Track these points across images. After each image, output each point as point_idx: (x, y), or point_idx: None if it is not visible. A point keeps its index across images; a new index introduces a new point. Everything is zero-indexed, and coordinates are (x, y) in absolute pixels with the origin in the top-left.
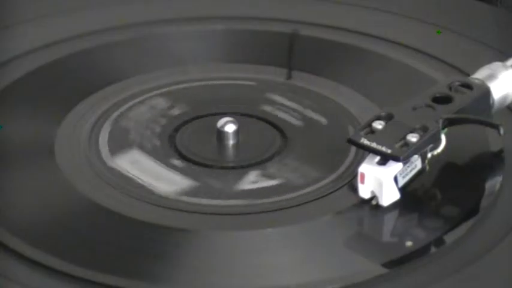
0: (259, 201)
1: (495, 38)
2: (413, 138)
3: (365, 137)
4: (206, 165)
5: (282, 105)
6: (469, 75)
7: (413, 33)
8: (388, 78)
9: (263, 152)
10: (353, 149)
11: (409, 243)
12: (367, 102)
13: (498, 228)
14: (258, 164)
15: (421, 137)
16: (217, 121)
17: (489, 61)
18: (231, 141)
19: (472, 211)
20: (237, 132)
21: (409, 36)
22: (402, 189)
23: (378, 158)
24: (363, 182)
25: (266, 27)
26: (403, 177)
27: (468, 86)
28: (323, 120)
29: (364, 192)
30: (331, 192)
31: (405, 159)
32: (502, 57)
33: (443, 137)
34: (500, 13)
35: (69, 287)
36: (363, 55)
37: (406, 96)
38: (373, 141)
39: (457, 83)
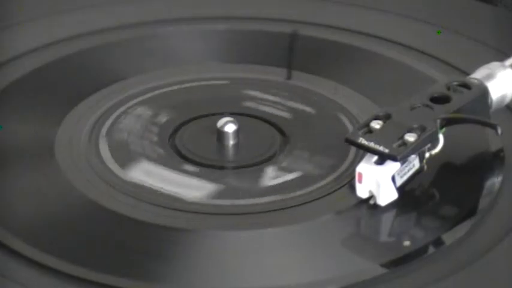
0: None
1: (495, 38)
2: (411, 137)
3: (363, 137)
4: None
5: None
6: (468, 75)
7: (413, 33)
8: (388, 78)
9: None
10: (353, 149)
11: (406, 243)
12: (367, 102)
13: (498, 228)
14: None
15: (418, 136)
16: (217, 121)
17: (489, 61)
18: (231, 141)
19: (471, 211)
20: (237, 132)
21: (409, 36)
22: (403, 189)
23: (375, 158)
24: (360, 181)
25: (266, 27)
26: (401, 176)
27: (466, 86)
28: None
29: (362, 191)
30: (331, 192)
31: (402, 159)
32: (502, 57)
33: (441, 137)
34: (500, 13)
35: (69, 287)
36: (363, 55)
37: (406, 96)
38: (370, 141)
39: (455, 83)
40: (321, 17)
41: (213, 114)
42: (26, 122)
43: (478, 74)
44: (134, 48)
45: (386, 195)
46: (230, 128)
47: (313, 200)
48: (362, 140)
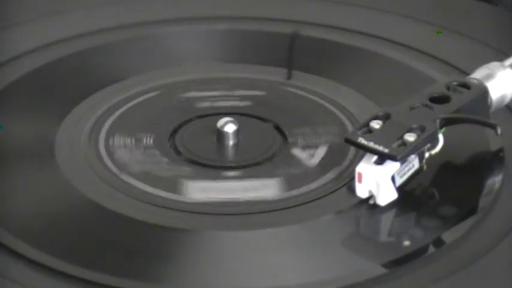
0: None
1: (495, 38)
2: (410, 137)
3: (362, 137)
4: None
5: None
6: (468, 75)
7: (413, 33)
8: (388, 78)
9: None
10: (353, 149)
11: (406, 243)
12: (367, 102)
13: (498, 228)
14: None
15: (418, 136)
16: (217, 121)
17: (489, 61)
18: (231, 141)
19: (471, 211)
20: (237, 132)
21: (409, 36)
22: (403, 189)
23: (375, 158)
24: (360, 181)
25: (266, 27)
26: (401, 176)
27: (466, 86)
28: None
29: (362, 191)
30: (331, 192)
31: (402, 159)
32: (502, 57)
33: (440, 137)
34: (500, 13)
35: (69, 287)
36: (363, 55)
37: (406, 96)
38: (370, 141)
39: (455, 83)
40: (321, 17)
41: (213, 114)
42: (26, 122)
43: (478, 74)
44: (134, 48)
45: (386, 195)
46: (230, 128)
47: (313, 200)
48: (361, 140)
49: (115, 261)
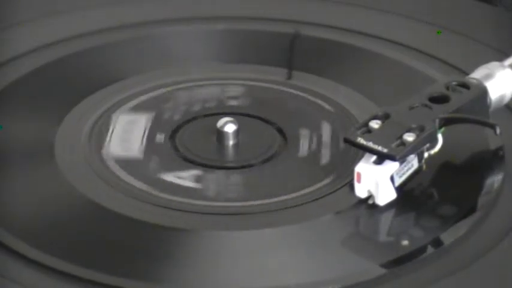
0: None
1: (495, 38)
2: (409, 137)
3: (361, 137)
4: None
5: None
6: (468, 75)
7: (413, 33)
8: (388, 78)
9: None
10: (353, 149)
11: (405, 242)
12: (367, 102)
13: (498, 228)
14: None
15: (417, 136)
16: (217, 121)
17: (489, 61)
18: (231, 141)
19: (471, 210)
20: (237, 132)
21: (409, 36)
22: (403, 189)
23: (374, 158)
24: (359, 181)
25: (266, 27)
26: (400, 176)
27: (465, 86)
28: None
29: (361, 191)
30: (331, 192)
31: (401, 159)
32: (502, 57)
33: (439, 137)
34: (500, 13)
35: (69, 287)
36: (363, 55)
37: (406, 96)
38: (369, 141)
39: (454, 83)
40: (321, 17)
41: (213, 114)
42: (26, 122)
43: (477, 74)
44: (134, 48)
45: (385, 195)
46: (230, 128)
47: (313, 200)
48: (361, 140)
49: (115, 261)
